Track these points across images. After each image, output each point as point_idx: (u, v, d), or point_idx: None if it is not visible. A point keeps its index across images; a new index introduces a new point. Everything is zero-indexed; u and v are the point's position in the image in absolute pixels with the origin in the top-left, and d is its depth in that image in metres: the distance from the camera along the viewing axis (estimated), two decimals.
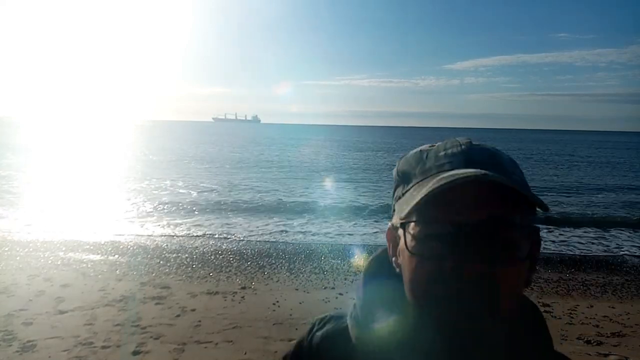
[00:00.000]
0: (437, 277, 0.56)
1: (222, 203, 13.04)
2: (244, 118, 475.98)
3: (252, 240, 8.93)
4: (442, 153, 0.63)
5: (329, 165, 26.82)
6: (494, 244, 0.55)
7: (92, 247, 7.86)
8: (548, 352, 0.65)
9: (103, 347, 4.02)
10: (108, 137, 62.11)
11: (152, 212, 11.58)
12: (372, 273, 0.73)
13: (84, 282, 5.92)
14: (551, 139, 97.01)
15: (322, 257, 7.62)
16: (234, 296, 5.53)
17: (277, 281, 6.27)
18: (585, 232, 10.40)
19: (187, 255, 7.58)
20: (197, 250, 7.92)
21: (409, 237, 0.60)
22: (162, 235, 9.20)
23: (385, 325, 0.63)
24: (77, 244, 8.07)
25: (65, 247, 7.76)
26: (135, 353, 3.96)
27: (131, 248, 7.94)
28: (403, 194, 0.64)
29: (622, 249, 8.92)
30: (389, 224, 0.69)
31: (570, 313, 5.36)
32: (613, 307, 5.66)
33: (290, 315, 4.94)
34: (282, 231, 9.80)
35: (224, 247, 8.22)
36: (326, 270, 6.81)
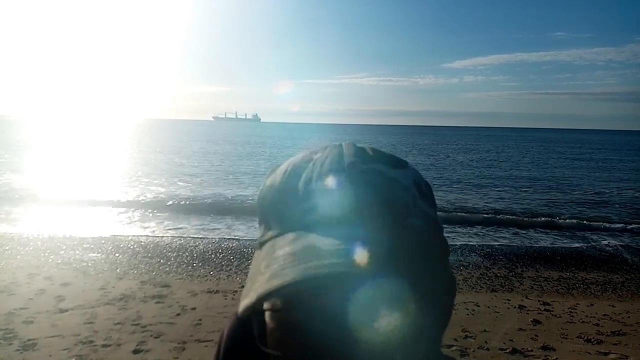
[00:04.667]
0: None
1: (220, 203, 13.04)
2: (244, 117, 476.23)
3: (252, 239, 8.93)
4: (312, 186, 0.44)
5: None
6: None
7: (92, 246, 7.85)
8: None
9: (103, 346, 4.03)
10: (108, 135, 62.07)
11: (151, 211, 11.57)
12: None
13: (84, 281, 5.92)
14: (549, 137, 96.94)
15: None
16: (234, 295, 5.53)
17: None
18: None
19: (187, 254, 7.58)
20: (197, 249, 7.92)
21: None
22: (162, 234, 9.20)
23: None
24: (77, 242, 8.07)
25: (65, 246, 7.75)
26: (135, 352, 3.96)
27: (131, 247, 7.94)
28: (262, 244, 0.47)
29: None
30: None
31: (571, 312, 5.37)
32: (613, 306, 5.67)
33: None
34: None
35: (224, 246, 8.23)
36: None
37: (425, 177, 0.50)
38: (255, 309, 0.38)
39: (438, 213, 0.50)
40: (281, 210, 0.46)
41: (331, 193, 0.43)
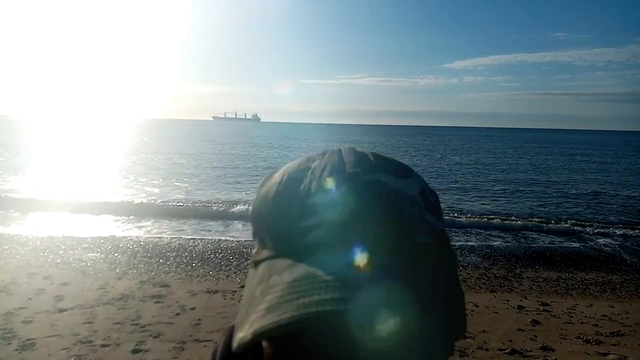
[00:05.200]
0: None
1: (221, 203, 13.04)
2: (243, 117, 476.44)
3: (250, 239, 8.92)
4: (312, 200, 0.41)
5: None
6: None
7: (91, 245, 7.85)
8: None
9: (102, 346, 4.02)
10: (107, 136, 62.00)
11: (151, 210, 11.56)
12: None
13: (84, 281, 5.91)
14: (548, 138, 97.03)
15: None
16: (233, 295, 5.53)
17: None
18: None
19: (186, 254, 7.58)
20: (196, 249, 7.91)
21: None
22: (161, 234, 9.20)
23: None
24: (76, 242, 8.06)
25: (64, 245, 7.75)
26: (134, 351, 3.96)
27: (131, 246, 7.94)
28: (257, 263, 0.44)
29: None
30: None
31: (570, 312, 5.37)
32: (612, 307, 5.68)
33: None
34: None
35: (223, 246, 8.22)
36: None
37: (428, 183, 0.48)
38: (251, 344, 0.35)
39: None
40: (277, 227, 0.42)
41: (331, 209, 0.39)
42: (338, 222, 0.39)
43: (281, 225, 0.42)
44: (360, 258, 0.37)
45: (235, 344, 0.36)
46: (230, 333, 0.53)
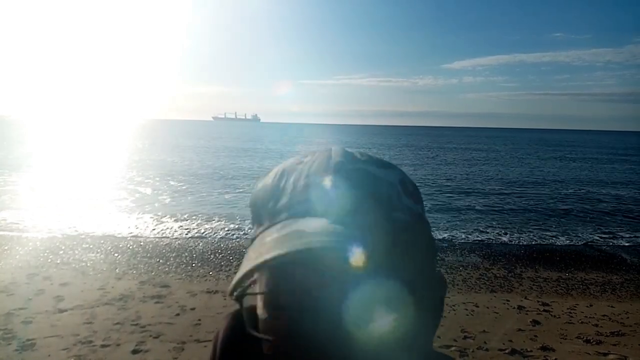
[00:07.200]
0: None
1: (222, 204, 13.04)
2: (243, 117, 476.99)
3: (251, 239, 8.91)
4: (302, 182, 0.47)
5: None
6: None
7: (91, 246, 7.85)
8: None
9: (102, 346, 4.02)
10: (107, 136, 61.99)
11: (151, 211, 11.56)
12: None
13: (84, 281, 5.91)
14: (548, 138, 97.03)
15: None
16: None
17: None
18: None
19: (186, 254, 7.58)
20: (196, 249, 7.92)
21: None
22: (161, 235, 9.20)
23: None
24: (76, 242, 8.06)
25: (64, 246, 7.75)
26: (134, 352, 3.96)
27: (131, 247, 7.94)
28: (253, 239, 0.49)
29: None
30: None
31: (570, 312, 5.37)
32: (612, 307, 5.68)
33: None
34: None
35: (223, 246, 8.23)
36: None
37: (415, 178, 0.51)
38: (242, 284, 0.39)
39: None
40: (272, 206, 0.48)
41: (318, 188, 0.45)
42: (323, 198, 0.45)
43: (275, 203, 0.48)
44: (342, 223, 0.42)
45: (232, 282, 0.41)
46: (233, 318, 0.57)
